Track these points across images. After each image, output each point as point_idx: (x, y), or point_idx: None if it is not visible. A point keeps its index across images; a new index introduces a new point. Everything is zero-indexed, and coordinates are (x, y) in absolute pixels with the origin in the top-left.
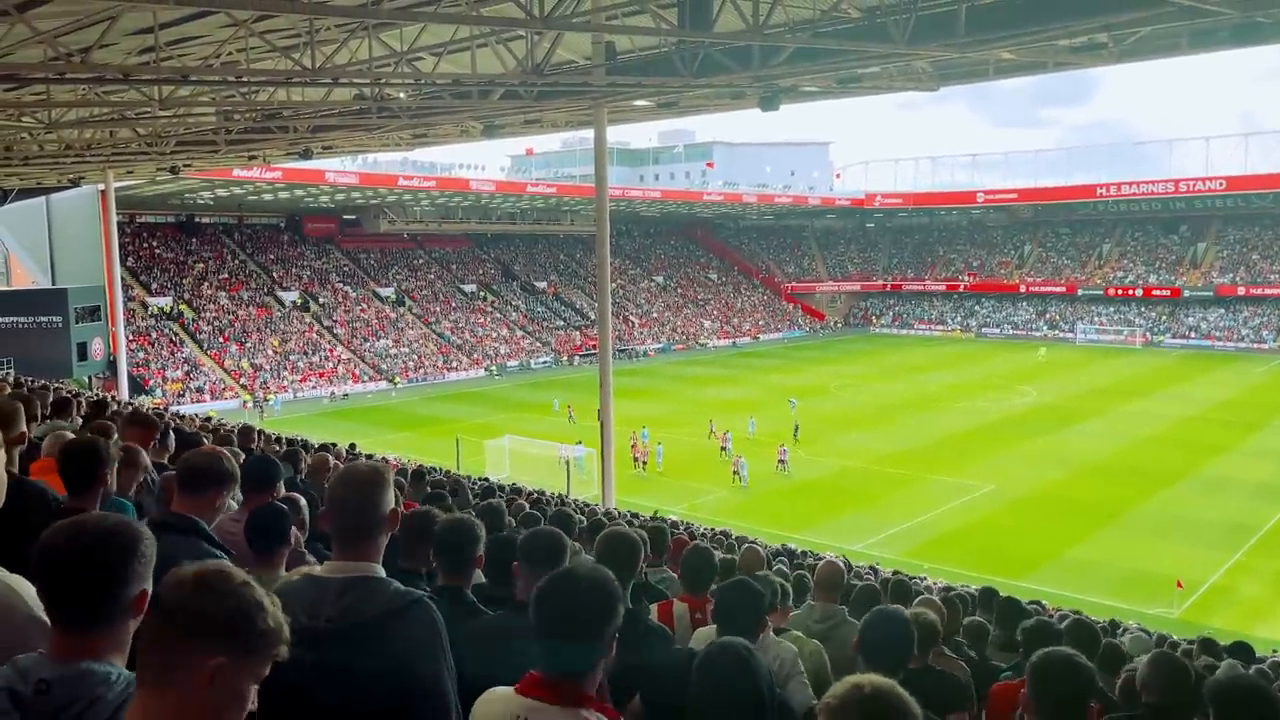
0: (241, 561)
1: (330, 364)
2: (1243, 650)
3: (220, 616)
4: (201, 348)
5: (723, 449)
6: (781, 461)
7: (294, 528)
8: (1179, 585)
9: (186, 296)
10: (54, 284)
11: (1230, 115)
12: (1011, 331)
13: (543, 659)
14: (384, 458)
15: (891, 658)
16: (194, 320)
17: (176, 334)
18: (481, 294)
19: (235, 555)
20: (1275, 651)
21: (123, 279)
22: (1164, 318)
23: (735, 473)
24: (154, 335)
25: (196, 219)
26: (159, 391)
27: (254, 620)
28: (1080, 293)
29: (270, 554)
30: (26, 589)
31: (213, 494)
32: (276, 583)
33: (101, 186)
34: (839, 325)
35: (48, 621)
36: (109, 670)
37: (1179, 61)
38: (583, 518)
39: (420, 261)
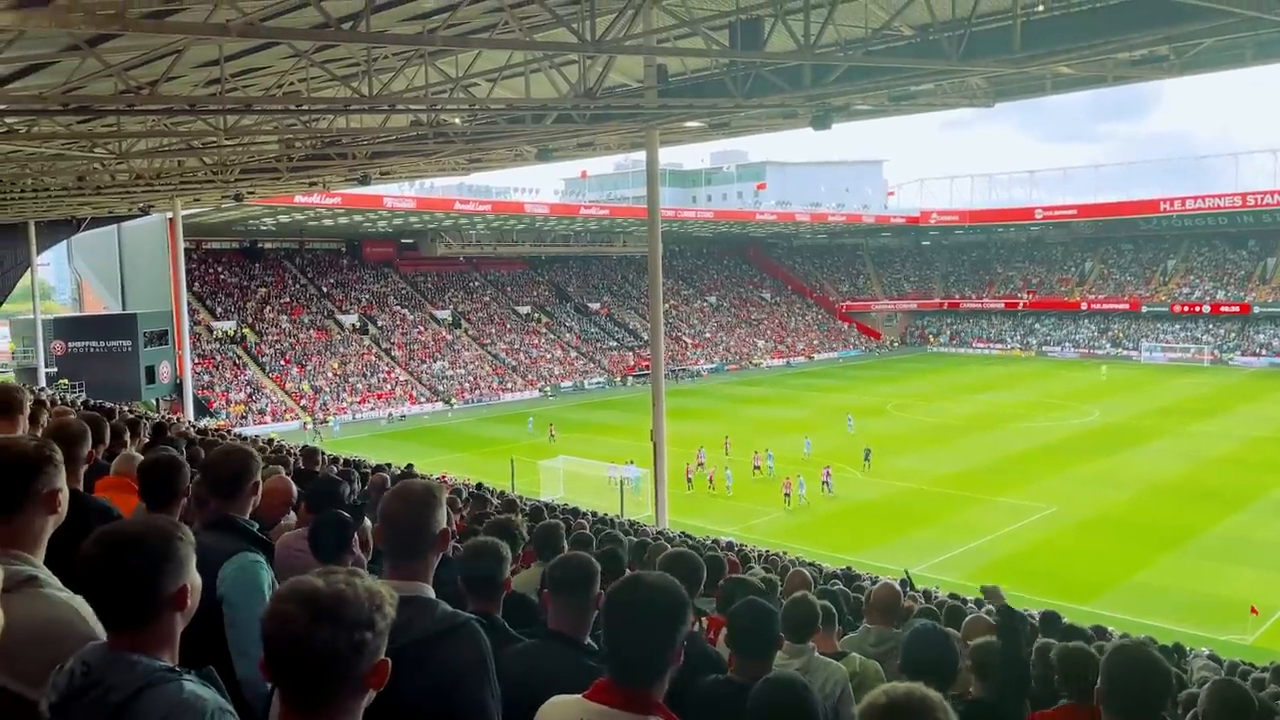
0: (298, 570)
1: (388, 386)
2: None
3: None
4: (263, 370)
5: (755, 468)
6: (825, 483)
7: (357, 544)
8: (1254, 611)
9: (249, 320)
10: (124, 309)
11: None
12: (1073, 350)
13: (611, 665)
14: (439, 477)
15: (935, 677)
16: (256, 344)
17: (240, 357)
18: (536, 315)
19: (289, 551)
20: None
21: (189, 304)
22: (1233, 335)
23: (786, 494)
24: (218, 358)
25: (259, 245)
26: (223, 414)
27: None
28: (1144, 310)
29: (336, 561)
30: (86, 609)
31: (241, 489)
32: None
33: (169, 214)
34: (895, 344)
35: (104, 639)
36: (145, 661)
37: (1240, 74)
38: (631, 536)
39: (476, 284)
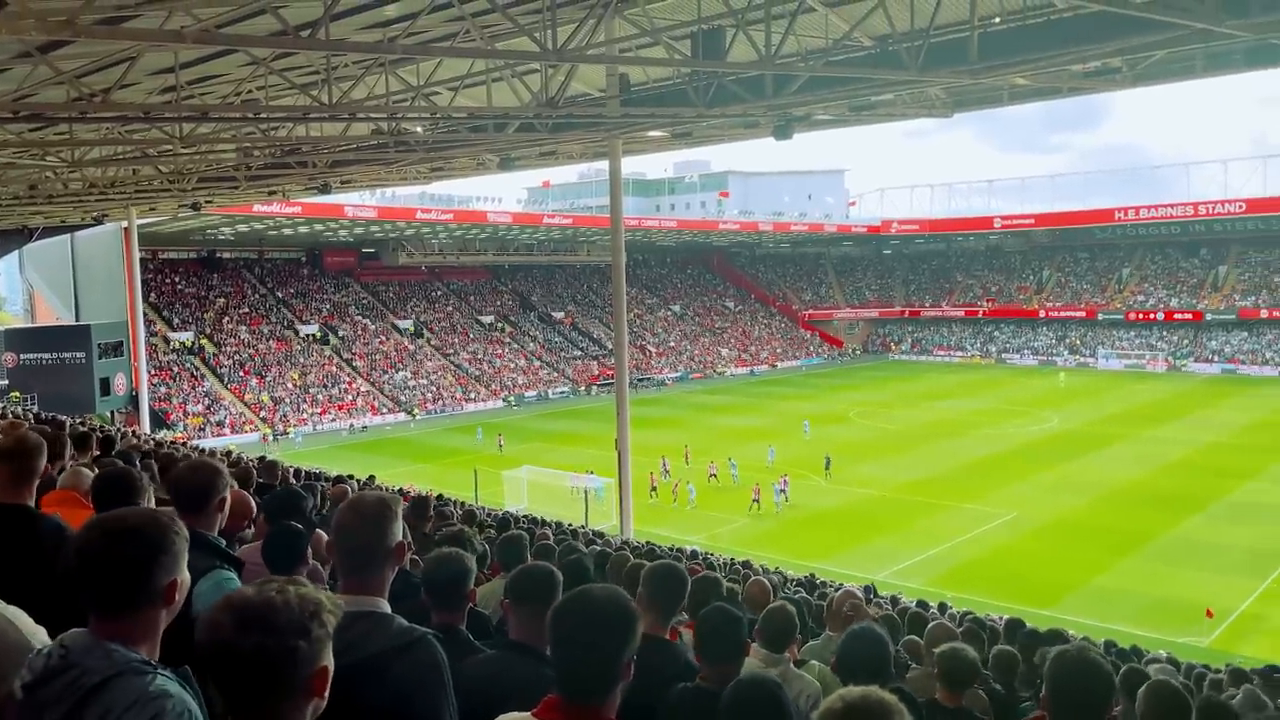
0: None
1: (349, 396)
2: (1272, 674)
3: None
4: (222, 382)
5: (711, 475)
6: (782, 491)
7: (312, 555)
8: (1209, 614)
9: (208, 331)
10: (78, 320)
11: (1241, 138)
12: (1032, 357)
13: (559, 682)
14: (400, 488)
15: (868, 676)
16: (215, 354)
17: (197, 368)
18: (499, 325)
19: (246, 566)
20: None
21: (145, 314)
22: (1186, 342)
23: (756, 500)
24: (175, 370)
25: (217, 254)
26: (180, 426)
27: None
28: (1100, 317)
29: (291, 572)
30: (21, 618)
31: (208, 505)
32: None
33: (124, 224)
34: (857, 352)
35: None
36: (123, 651)
37: (1189, 86)
38: (596, 547)
39: (438, 293)
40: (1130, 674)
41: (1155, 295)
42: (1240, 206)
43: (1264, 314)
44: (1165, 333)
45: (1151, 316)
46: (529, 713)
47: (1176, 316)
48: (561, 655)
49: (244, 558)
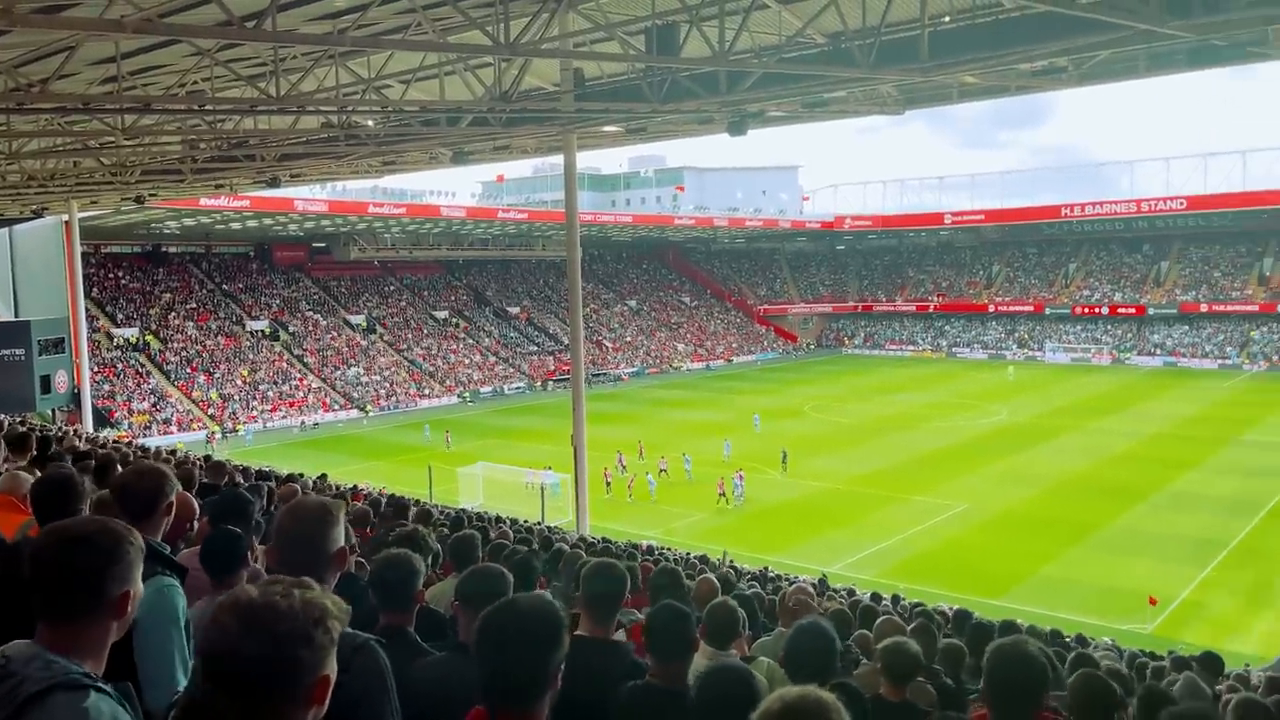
0: (199, 590)
1: (301, 393)
2: (1210, 661)
3: None
4: (169, 379)
5: (661, 470)
6: (736, 486)
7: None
8: (1152, 601)
9: (153, 327)
10: (16, 316)
11: (1184, 137)
12: (982, 351)
13: (485, 692)
14: (354, 486)
15: (813, 669)
16: (161, 351)
17: (143, 365)
18: (454, 320)
19: (191, 573)
20: (1246, 666)
21: (87, 310)
22: (1130, 335)
23: (721, 494)
24: (119, 367)
25: (163, 248)
26: (125, 424)
27: None
28: (1048, 311)
29: (229, 579)
30: None
31: (155, 511)
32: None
33: (65, 217)
34: (811, 347)
35: None
36: (65, 663)
37: (1132, 85)
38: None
39: (391, 288)
40: (1078, 660)
41: (1100, 290)
42: (1181, 204)
43: (1204, 308)
44: (1110, 327)
45: (1097, 311)
46: None
47: (1120, 311)
48: (488, 665)
49: (187, 563)
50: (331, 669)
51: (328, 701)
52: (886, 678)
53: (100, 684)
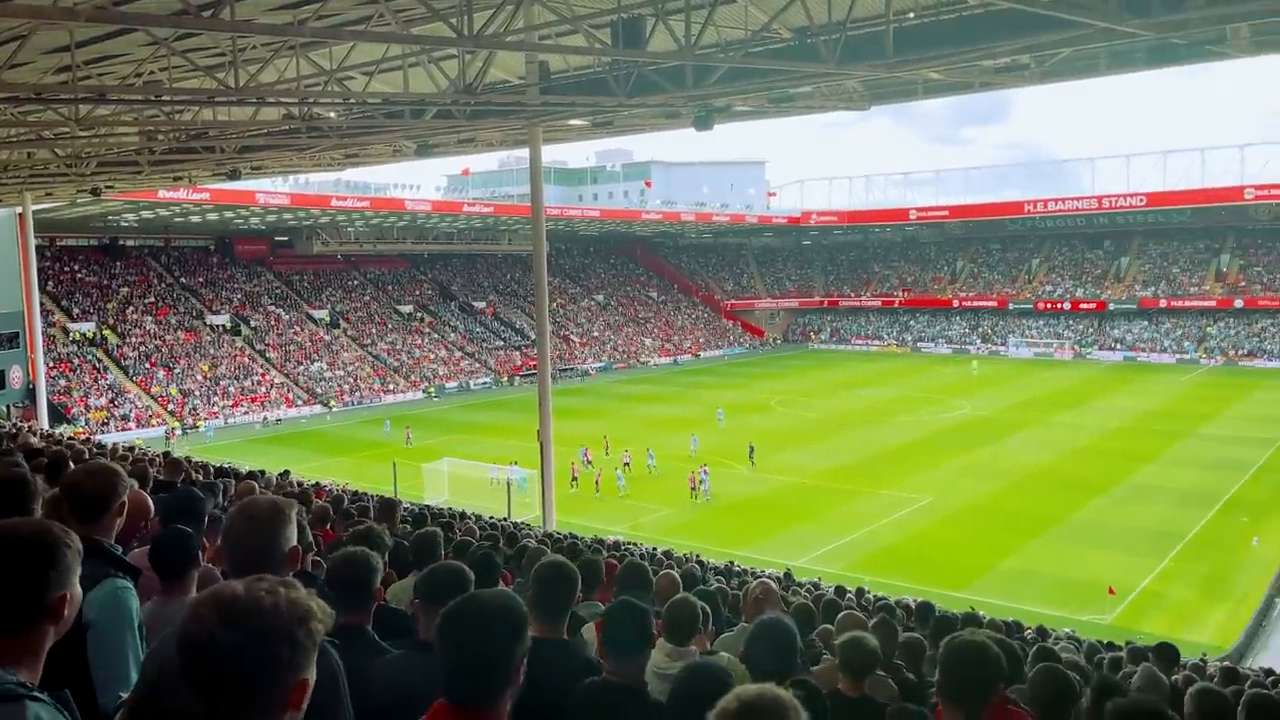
0: (149, 591)
1: (263, 388)
2: (1166, 651)
3: None
4: (127, 374)
5: (625, 464)
6: (701, 482)
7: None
8: (1111, 592)
9: (110, 321)
10: None
11: (1142, 134)
12: (946, 346)
13: (446, 687)
14: (316, 483)
15: (773, 666)
16: (118, 346)
17: (100, 360)
18: (419, 315)
19: (143, 573)
20: (1203, 656)
21: (42, 304)
22: (1091, 331)
23: (693, 488)
24: (76, 362)
25: (121, 241)
26: (82, 420)
27: None
28: (1011, 307)
29: (179, 579)
30: None
31: (106, 511)
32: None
33: (19, 209)
34: (778, 342)
35: None
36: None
37: (1092, 83)
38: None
39: (355, 283)
40: (1039, 653)
41: (1062, 285)
42: (1141, 200)
43: (1163, 304)
44: (1072, 322)
45: (1059, 306)
46: None
47: (1082, 306)
48: (449, 660)
49: (138, 563)
50: (311, 673)
51: (304, 707)
52: (844, 673)
53: (36, 693)
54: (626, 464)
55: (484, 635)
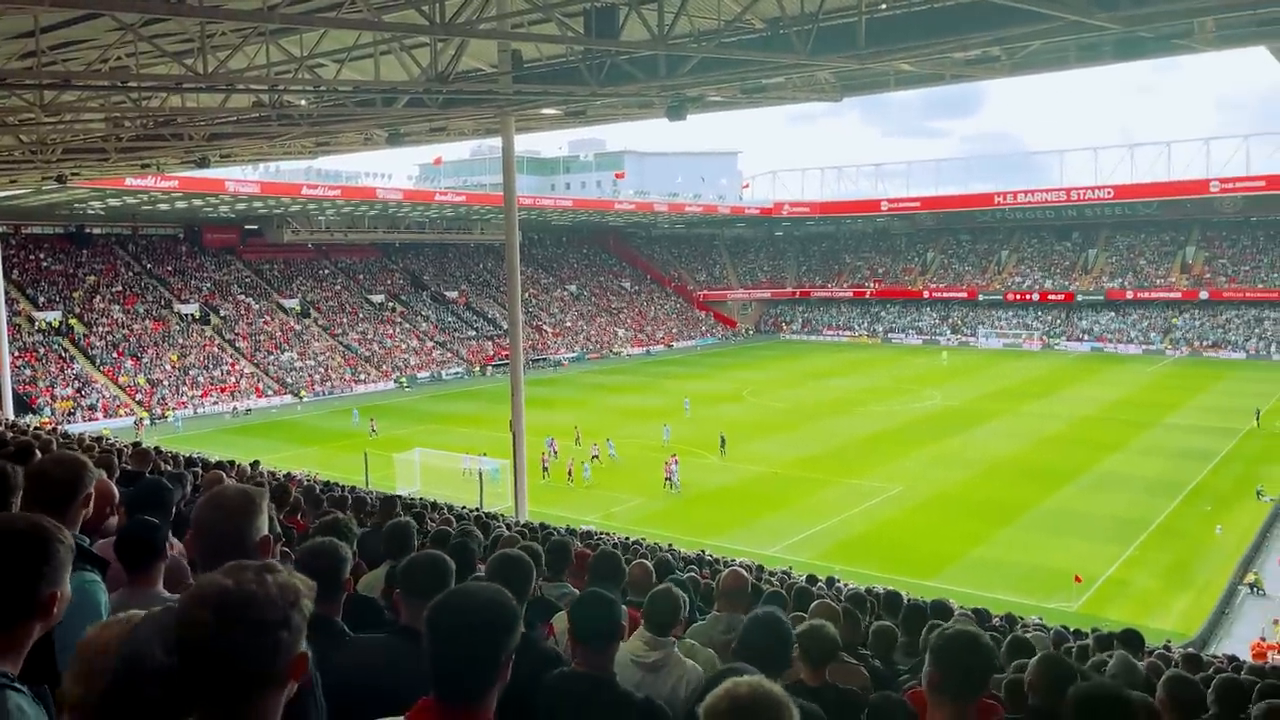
0: (115, 582)
1: (233, 378)
2: (1131, 637)
3: None
4: (94, 364)
5: (593, 457)
6: (669, 478)
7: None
8: (1077, 580)
9: (77, 311)
10: None
11: (1109, 127)
12: (917, 337)
13: (435, 684)
14: (288, 473)
15: (769, 662)
16: (85, 335)
17: (66, 350)
18: (390, 304)
19: (111, 565)
20: (1167, 643)
21: (7, 293)
22: (1059, 322)
23: (668, 478)
24: (41, 351)
25: (87, 229)
26: (48, 410)
27: None
28: (981, 298)
29: (146, 571)
30: None
31: (72, 502)
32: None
33: None
34: (750, 332)
35: None
36: None
37: (1060, 76)
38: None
39: (326, 272)
40: (1014, 643)
41: (1031, 277)
42: (1109, 193)
43: (1129, 295)
44: (1040, 313)
45: (1028, 297)
46: (402, 717)
47: (1050, 297)
48: (438, 655)
49: (103, 554)
50: (304, 646)
51: (304, 675)
52: (804, 662)
53: (16, 684)
54: (595, 457)
55: (474, 632)
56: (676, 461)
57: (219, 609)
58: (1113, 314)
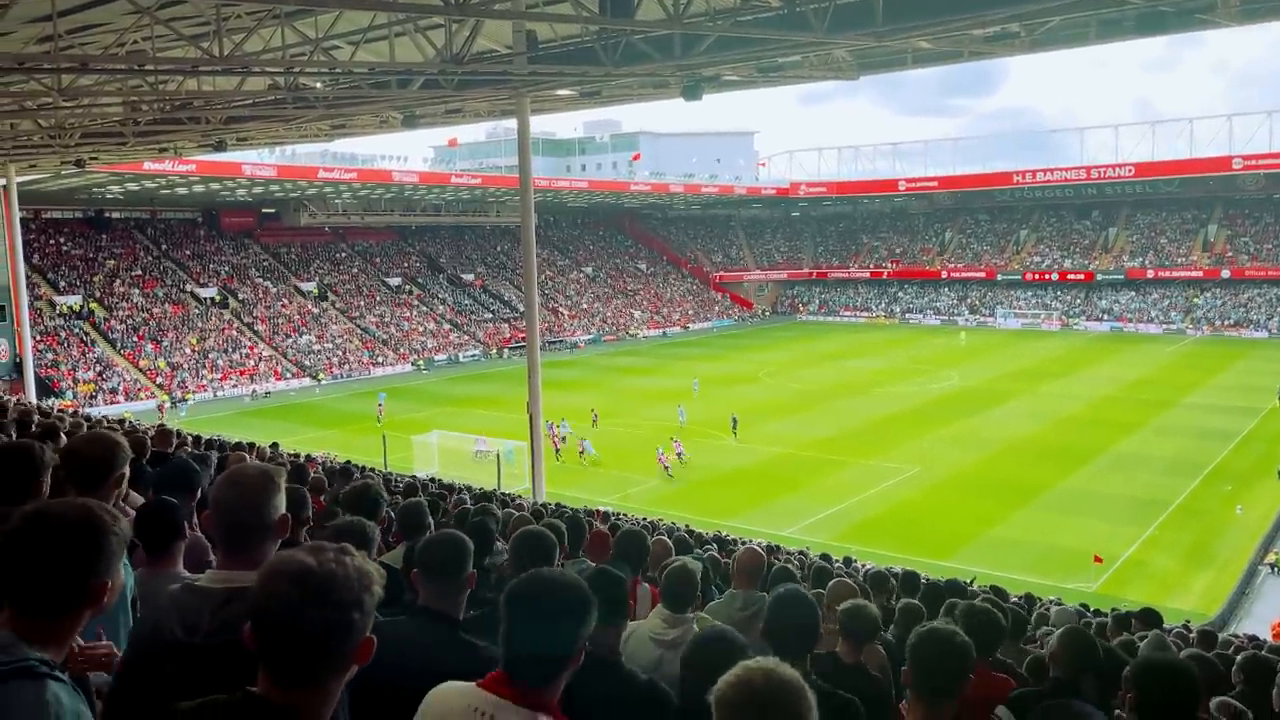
0: (135, 563)
1: (251, 361)
2: (1150, 616)
3: None
4: (114, 347)
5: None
6: (675, 457)
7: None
8: (1097, 560)
9: (97, 294)
10: None
11: (1125, 103)
12: (934, 317)
13: (510, 664)
14: (309, 455)
15: (798, 643)
16: (106, 319)
17: (87, 333)
18: (407, 287)
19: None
20: (1186, 623)
21: (28, 277)
22: (1079, 301)
23: (679, 457)
24: (63, 335)
25: (106, 214)
26: (69, 393)
27: None
28: (1000, 278)
29: (165, 552)
30: None
31: (106, 480)
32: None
33: (3, 181)
34: (767, 314)
35: None
36: (24, 650)
37: (1079, 53)
38: (512, 510)
39: (343, 255)
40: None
41: (1050, 256)
42: (1129, 170)
43: (1150, 274)
44: (1059, 292)
45: (1047, 277)
46: (473, 683)
47: (1070, 277)
48: (516, 639)
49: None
50: (370, 630)
51: (369, 660)
52: (847, 639)
53: (58, 674)
54: (574, 441)
55: (553, 617)
56: (681, 447)
57: (300, 584)
58: (1133, 293)
